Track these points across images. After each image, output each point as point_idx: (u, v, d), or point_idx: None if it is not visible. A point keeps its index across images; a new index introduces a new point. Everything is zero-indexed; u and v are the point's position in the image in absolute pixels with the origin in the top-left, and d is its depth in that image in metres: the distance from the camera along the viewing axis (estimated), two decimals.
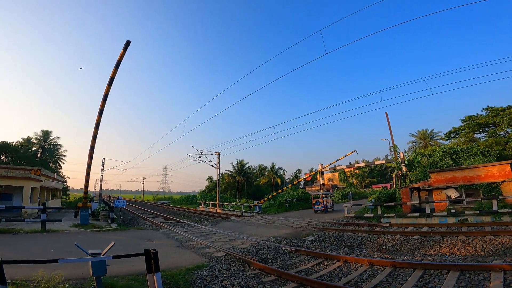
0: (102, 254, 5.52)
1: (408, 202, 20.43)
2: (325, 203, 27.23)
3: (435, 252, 10.24)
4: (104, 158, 46.65)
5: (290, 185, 45.44)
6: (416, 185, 22.26)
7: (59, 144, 58.77)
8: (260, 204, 32.72)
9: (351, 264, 8.69)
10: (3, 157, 43.82)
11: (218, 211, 35.67)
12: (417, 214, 17.85)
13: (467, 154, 23.37)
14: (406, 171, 28.11)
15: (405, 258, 9.20)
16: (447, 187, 19.97)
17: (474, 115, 33.62)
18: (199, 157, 39.71)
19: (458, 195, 19.54)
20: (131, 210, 39.05)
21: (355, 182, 78.87)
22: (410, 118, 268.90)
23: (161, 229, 18.95)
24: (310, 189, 70.14)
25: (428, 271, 7.22)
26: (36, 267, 5.51)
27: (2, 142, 43.44)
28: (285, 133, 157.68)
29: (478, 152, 23.15)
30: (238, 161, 68.89)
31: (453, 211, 17.52)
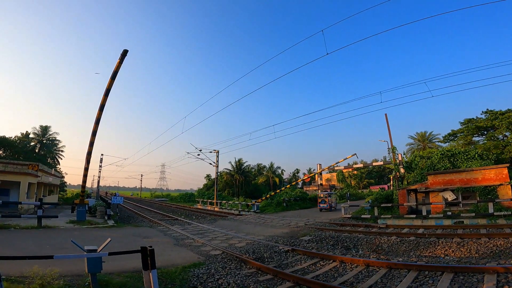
0: (98, 250, 5.51)
1: (405, 204, 20.50)
2: (330, 202, 28.92)
3: (430, 254, 10.30)
4: (102, 155, 46.74)
5: (288, 186, 45.49)
6: (413, 187, 22.35)
7: (57, 140, 58.70)
8: (258, 203, 32.77)
9: (347, 264, 8.72)
10: (1, 152, 43.67)
11: (216, 209, 35.67)
12: (414, 216, 17.95)
13: (465, 157, 23.48)
14: (404, 172, 28.20)
15: (401, 259, 9.24)
16: (444, 190, 20.06)
17: (473, 118, 33.74)
18: (198, 155, 39.69)
19: (455, 197, 19.64)
20: (128, 207, 39.01)
21: (353, 183, 79.02)
22: (409, 120, 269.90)
23: (158, 226, 18.95)
24: (308, 189, 70.28)
25: (423, 273, 7.26)
26: (31, 263, 5.46)
27: (1, 137, 43.30)
28: (284, 132, 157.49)
29: (476, 155, 23.26)
30: (237, 159, 68.88)
31: (449, 213, 17.62)
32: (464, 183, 19.65)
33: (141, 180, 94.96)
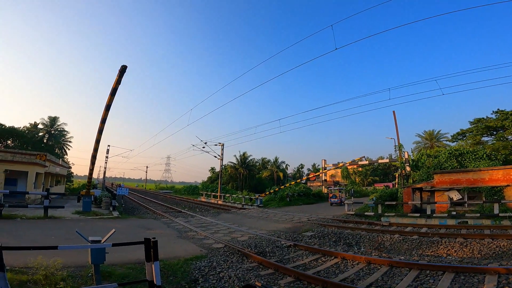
0: (102, 241, 5.56)
1: (409, 202, 20.36)
2: (340, 197, 30.24)
3: (432, 253, 10.26)
4: (109, 146, 47.23)
5: (293, 182, 45.49)
6: (418, 186, 22.16)
7: (65, 130, 59.44)
8: (261, 197, 32.94)
9: (348, 261, 8.74)
10: (10, 142, 44.40)
11: (219, 202, 35.93)
12: (418, 215, 17.83)
13: (473, 157, 23.13)
14: (410, 171, 27.95)
15: (402, 257, 9.23)
16: (450, 189, 19.85)
17: (483, 118, 33.17)
18: (203, 147, 39.80)
19: (461, 197, 19.43)
20: (133, 198, 39.50)
21: (357, 179, 78.65)
22: (417, 118, 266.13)
23: (161, 218, 19.19)
24: (311, 185, 70.21)
25: (424, 272, 7.25)
26: (36, 253, 5.49)
27: (10, 127, 43.98)
28: (290, 127, 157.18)
29: (484, 155, 22.90)
30: (241, 153, 69.06)
31: (454, 213, 17.45)
32: (470, 183, 19.41)
33: (146, 172, 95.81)
